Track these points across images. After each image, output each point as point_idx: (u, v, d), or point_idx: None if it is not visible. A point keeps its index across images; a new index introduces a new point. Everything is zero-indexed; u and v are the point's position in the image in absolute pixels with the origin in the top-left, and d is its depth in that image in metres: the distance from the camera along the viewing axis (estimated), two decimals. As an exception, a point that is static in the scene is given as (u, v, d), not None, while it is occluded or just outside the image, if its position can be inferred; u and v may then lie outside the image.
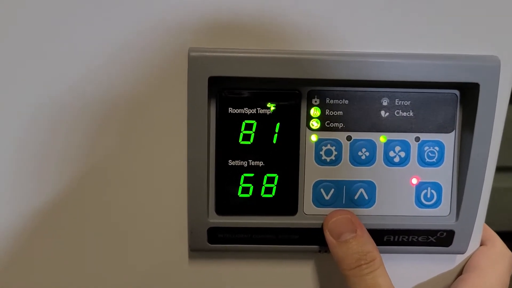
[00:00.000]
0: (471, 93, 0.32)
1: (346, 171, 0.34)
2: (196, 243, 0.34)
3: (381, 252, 0.32)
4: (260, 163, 0.33)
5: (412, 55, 0.31)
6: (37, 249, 0.34)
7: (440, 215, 0.34)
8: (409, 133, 0.34)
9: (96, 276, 0.35)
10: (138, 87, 0.31)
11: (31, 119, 0.32)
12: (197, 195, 0.33)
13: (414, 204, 0.34)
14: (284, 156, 0.33)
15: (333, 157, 0.33)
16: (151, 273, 0.35)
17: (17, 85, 0.31)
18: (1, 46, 0.30)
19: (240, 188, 0.33)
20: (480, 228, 0.36)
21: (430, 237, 0.34)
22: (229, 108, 0.32)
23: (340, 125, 0.33)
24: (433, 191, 0.34)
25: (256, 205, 0.34)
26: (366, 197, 0.34)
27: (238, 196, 0.33)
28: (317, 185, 0.34)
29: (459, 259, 0.36)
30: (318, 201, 0.34)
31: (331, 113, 0.33)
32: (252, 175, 0.33)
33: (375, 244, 0.32)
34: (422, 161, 0.34)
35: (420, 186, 0.34)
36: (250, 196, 0.33)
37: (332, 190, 0.34)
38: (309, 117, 0.33)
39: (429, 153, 0.34)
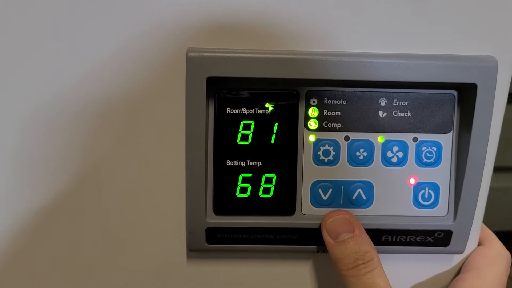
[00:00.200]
0: (468, 93, 0.32)
1: (344, 171, 0.34)
2: (194, 243, 0.34)
3: (379, 252, 0.32)
4: (258, 163, 0.33)
5: (410, 56, 0.31)
6: (34, 249, 0.34)
7: (437, 215, 0.35)
8: (407, 133, 0.34)
9: (93, 276, 0.35)
10: (136, 88, 0.31)
11: (29, 120, 0.32)
12: (195, 195, 0.33)
13: (412, 204, 0.34)
14: (282, 156, 0.33)
15: (331, 157, 0.34)
16: (149, 272, 0.35)
17: (15, 87, 0.31)
18: (-1, 46, 0.30)
19: (238, 188, 0.33)
20: (478, 228, 0.36)
21: (428, 237, 0.34)
22: (227, 108, 0.32)
23: (338, 125, 0.33)
24: (431, 191, 0.34)
25: (254, 205, 0.34)
26: (364, 197, 0.34)
27: (236, 196, 0.33)
28: (315, 185, 0.34)
29: (457, 259, 0.36)
30: (316, 201, 0.34)
31: (329, 113, 0.33)
32: (250, 175, 0.33)
33: (373, 244, 0.32)
34: (420, 161, 0.34)
35: (418, 186, 0.34)
36: (248, 196, 0.33)
37: (330, 190, 0.34)
38: (307, 117, 0.33)
39: (427, 153, 0.34)
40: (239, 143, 0.33)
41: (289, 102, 0.33)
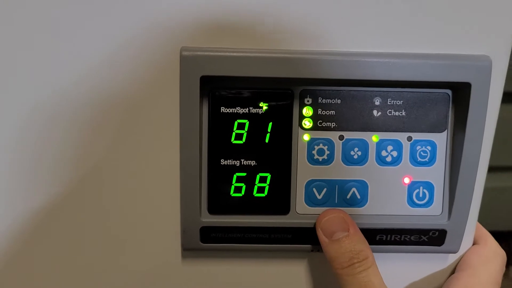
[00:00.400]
0: (463, 92, 0.32)
1: (338, 171, 0.34)
2: (189, 242, 0.34)
3: (374, 251, 0.32)
4: (253, 163, 0.33)
5: (404, 55, 0.31)
6: (33, 248, 0.34)
7: (432, 214, 0.35)
8: (401, 133, 0.34)
9: (89, 275, 0.35)
10: (130, 87, 0.31)
11: (26, 121, 0.32)
12: (189, 194, 0.33)
13: (406, 204, 0.34)
14: (276, 156, 0.33)
15: (325, 157, 0.34)
16: (143, 272, 0.35)
17: (11, 87, 0.31)
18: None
19: (233, 187, 0.33)
20: (472, 228, 0.36)
21: (422, 236, 0.34)
22: (222, 108, 0.32)
23: (333, 125, 0.33)
24: (425, 190, 0.34)
25: (248, 205, 0.34)
26: (359, 197, 0.34)
27: (231, 195, 0.33)
28: (309, 184, 0.34)
29: (452, 258, 0.36)
30: (311, 200, 0.34)
31: (324, 112, 0.33)
32: (244, 174, 0.33)
33: (367, 243, 0.32)
34: (414, 161, 0.34)
35: (412, 186, 0.34)
36: (243, 195, 0.33)
37: (325, 189, 0.34)
38: (302, 117, 0.33)
39: (421, 153, 0.34)
40: (233, 142, 0.33)
41: (284, 101, 0.33)
